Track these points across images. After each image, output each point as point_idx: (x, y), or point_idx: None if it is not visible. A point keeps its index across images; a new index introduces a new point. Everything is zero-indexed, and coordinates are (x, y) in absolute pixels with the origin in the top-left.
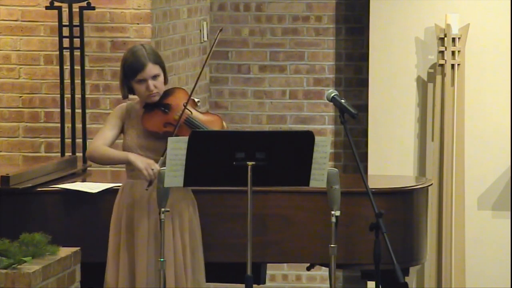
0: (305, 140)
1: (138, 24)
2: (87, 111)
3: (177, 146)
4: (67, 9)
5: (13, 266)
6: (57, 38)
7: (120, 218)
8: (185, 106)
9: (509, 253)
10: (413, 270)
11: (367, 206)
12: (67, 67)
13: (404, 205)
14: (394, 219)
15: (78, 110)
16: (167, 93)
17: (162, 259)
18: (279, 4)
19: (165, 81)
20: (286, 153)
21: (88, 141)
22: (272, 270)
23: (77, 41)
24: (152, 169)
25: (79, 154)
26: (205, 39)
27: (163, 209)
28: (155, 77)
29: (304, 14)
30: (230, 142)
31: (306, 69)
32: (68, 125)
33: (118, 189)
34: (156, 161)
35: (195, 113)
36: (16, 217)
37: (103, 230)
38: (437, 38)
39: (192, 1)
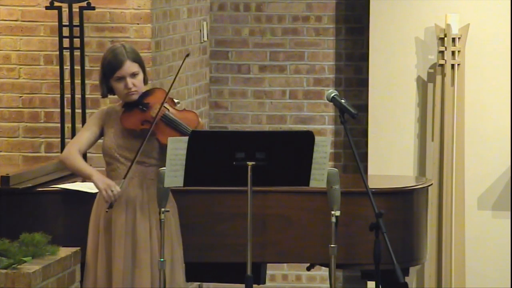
0: (305, 140)
1: (138, 24)
2: (87, 111)
3: (177, 146)
4: (67, 9)
5: (13, 266)
6: (57, 38)
7: (99, 218)
8: (162, 104)
9: (509, 253)
10: (413, 270)
11: (367, 206)
12: (67, 67)
13: (404, 205)
14: (394, 219)
15: (78, 110)
16: (147, 93)
17: (162, 259)
18: (279, 4)
19: (145, 81)
20: (286, 153)
21: None
22: (272, 270)
23: (77, 41)
24: (112, 191)
25: None
26: (205, 39)
27: (163, 209)
28: (133, 75)
29: (304, 14)
30: (230, 142)
31: (306, 69)
32: (68, 125)
33: None
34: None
35: (172, 110)
36: (16, 217)
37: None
38: (437, 38)
39: (192, 1)
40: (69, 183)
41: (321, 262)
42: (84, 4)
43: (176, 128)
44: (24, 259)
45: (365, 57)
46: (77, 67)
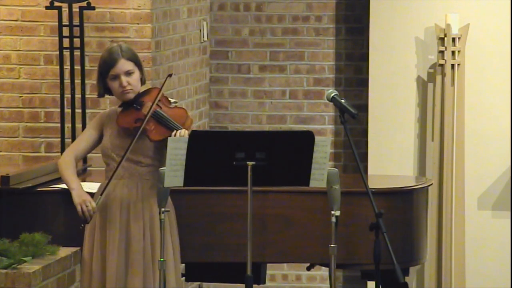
0: (305, 140)
1: (138, 24)
2: (87, 111)
3: (177, 146)
4: (67, 9)
5: (13, 266)
6: (57, 38)
7: (95, 218)
8: (154, 101)
9: (509, 253)
10: (413, 270)
11: (367, 206)
12: (67, 67)
13: (404, 205)
14: (394, 219)
15: (78, 110)
16: (144, 93)
17: (162, 259)
18: (279, 4)
19: (143, 81)
20: (286, 153)
21: None
22: (272, 270)
23: (77, 41)
24: (87, 206)
25: None
26: (205, 39)
27: (163, 209)
28: (128, 73)
29: (304, 14)
30: (230, 142)
31: (306, 69)
32: (68, 125)
33: None
34: (130, 161)
35: (164, 108)
36: (16, 217)
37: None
38: (437, 38)
39: (192, 1)
40: None
41: (321, 262)
42: (84, 4)
43: (165, 125)
44: (24, 259)
45: (365, 57)
46: (77, 67)
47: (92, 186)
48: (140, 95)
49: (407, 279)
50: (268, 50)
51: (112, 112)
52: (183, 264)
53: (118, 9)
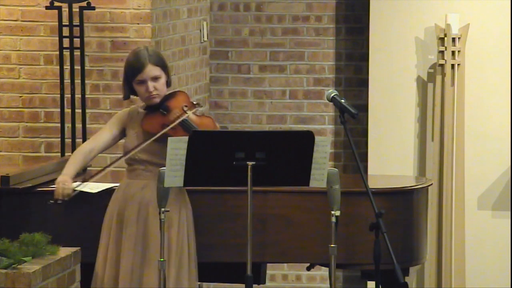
0: (305, 140)
1: (138, 24)
2: (87, 111)
3: (177, 146)
4: (67, 9)
5: (13, 266)
6: (57, 38)
7: (112, 216)
8: (184, 110)
9: (509, 253)
10: (413, 270)
11: (367, 206)
12: (67, 67)
13: (404, 205)
14: (394, 219)
15: (78, 110)
16: (169, 96)
17: (162, 259)
18: (279, 4)
19: (168, 84)
20: (286, 153)
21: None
22: (272, 270)
23: (77, 41)
24: (64, 185)
25: None
26: (205, 39)
27: (163, 209)
28: (155, 78)
29: (304, 14)
30: (230, 142)
31: (306, 69)
32: (68, 125)
33: None
34: (153, 163)
35: (191, 116)
36: (16, 217)
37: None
38: (437, 38)
39: (192, 1)
40: None
41: (321, 262)
42: (84, 4)
43: None
44: (24, 259)
45: (365, 57)
46: (77, 67)
47: (92, 186)
48: (165, 99)
49: (407, 279)
50: (268, 50)
51: (134, 112)
52: None
53: (118, 9)
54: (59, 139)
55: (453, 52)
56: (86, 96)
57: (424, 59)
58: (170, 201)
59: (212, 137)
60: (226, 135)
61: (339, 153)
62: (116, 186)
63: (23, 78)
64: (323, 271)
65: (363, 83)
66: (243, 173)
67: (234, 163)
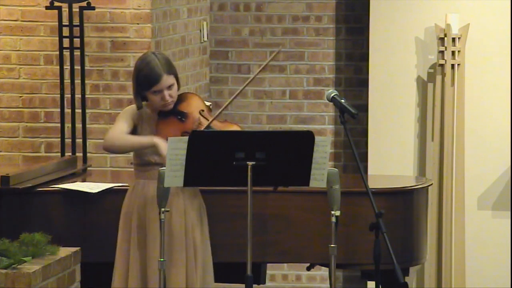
0: (305, 140)
1: (138, 24)
2: (87, 111)
3: (177, 146)
4: (67, 9)
5: (13, 266)
6: (57, 38)
7: (130, 218)
8: (200, 113)
9: (509, 253)
10: (413, 270)
11: (367, 206)
12: (67, 67)
13: (404, 205)
14: (394, 219)
15: (78, 110)
16: (180, 99)
17: (162, 259)
18: (279, 4)
19: (178, 87)
20: (286, 153)
21: (88, 141)
22: (272, 270)
23: (77, 41)
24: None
25: (79, 154)
26: (205, 39)
27: (163, 209)
28: (169, 87)
29: (304, 14)
30: (230, 142)
31: (306, 69)
32: (68, 125)
33: (118, 189)
34: None
35: (214, 122)
36: (16, 217)
37: (103, 230)
38: (437, 38)
39: (192, 1)
40: (69, 183)
41: (321, 262)
42: (84, 4)
43: None
44: (24, 259)
45: (365, 57)
46: (77, 67)
47: (92, 186)
48: (177, 103)
49: (407, 279)
50: (268, 50)
51: (142, 111)
52: None
53: (118, 9)
54: (59, 139)
55: (453, 52)
56: (86, 96)
57: (424, 59)
58: (189, 201)
59: (212, 137)
60: (226, 135)
61: (339, 153)
62: (117, 186)
63: (23, 78)
64: (323, 271)
65: (363, 83)
66: (243, 173)
67: (234, 163)
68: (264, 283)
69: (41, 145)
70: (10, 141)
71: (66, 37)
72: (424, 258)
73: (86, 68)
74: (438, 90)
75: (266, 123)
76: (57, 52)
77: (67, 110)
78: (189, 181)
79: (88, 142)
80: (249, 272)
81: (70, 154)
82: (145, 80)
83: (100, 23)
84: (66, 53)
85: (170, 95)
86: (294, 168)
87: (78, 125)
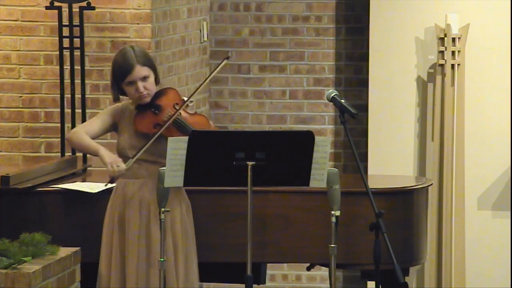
0: (305, 140)
1: (138, 24)
2: (87, 111)
3: (177, 146)
4: (67, 9)
5: (13, 266)
6: (57, 38)
7: (113, 217)
8: (177, 109)
9: (509, 253)
10: (413, 270)
11: (367, 206)
12: (67, 67)
13: (404, 205)
14: (394, 219)
15: (78, 110)
16: (159, 94)
17: (162, 259)
18: (279, 4)
19: (157, 82)
20: (286, 153)
21: None
22: (272, 270)
23: (77, 41)
24: (118, 166)
25: (79, 154)
26: (205, 39)
27: (163, 209)
28: (144, 78)
29: (304, 14)
30: (230, 142)
31: (306, 69)
32: (68, 125)
33: None
34: (149, 161)
35: (184, 115)
36: (16, 217)
37: (103, 230)
38: (437, 38)
39: (192, 1)
40: (69, 183)
41: (321, 262)
42: (84, 4)
43: (187, 132)
44: (24, 259)
45: (365, 57)
46: (77, 67)
47: (92, 186)
48: (156, 97)
49: (407, 279)
50: (268, 50)
51: (126, 108)
52: None
53: (118, 9)
54: (59, 139)
55: (453, 52)
56: (86, 96)
57: (424, 59)
58: (169, 200)
59: (212, 137)
60: (226, 135)
61: (339, 153)
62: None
63: (23, 78)
64: (323, 271)
65: (363, 83)
66: (243, 173)
67: (234, 163)
68: (264, 283)
69: (41, 145)
70: (10, 141)
71: (66, 37)
72: (424, 258)
73: (86, 68)
74: (438, 90)
75: (266, 123)
76: (57, 52)
77: (67, 110)
78: (189, 181)
79: None
80: (249, 272)
81: (70, 154)
82: (119, 70)
83: (100, 23)
84: (66, 53)
85: (145, 87)
86: (294, 168)
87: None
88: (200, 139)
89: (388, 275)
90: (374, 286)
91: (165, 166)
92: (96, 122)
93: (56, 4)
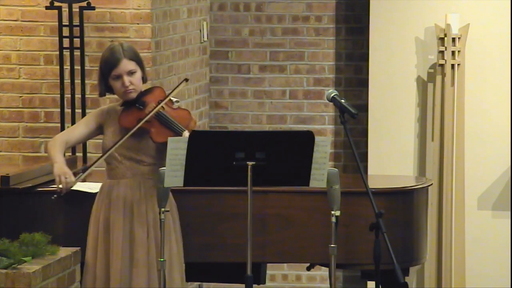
0: (305, 140)
1: (138, 24)
2: (87, 111)
3: (177, 146)
4: (67, 9)
5: (13, 266)
6: (57, 38)
7: (98, 219)
8: (158, 103)
9: (509, 253)
10: (413, 270)
11: (367, 206)
12: (67, 67)
13: (404, 205)
14: (394, 219)
15: (78, 110)
16: (145, 92)
17: (162, 259)
18: (279, 4)
19: (144, 80)
20: (286, 153)
21: (88, 141)
22: (272, 270)
23: (77, 41)
24: (66, 178)
25: (79, 154)
26: (205, 39)
27: (163, 209)
28: (130, 73)
29: (304, 14)
30: (230, 142)
31: (306, 69)
32: (68, 125)
33: None
34: (133, 160)
35: (167, 109)
36: (16, 217)
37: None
38: (437, 38)
39: (192, 1)
40: None
41: (321, 262)
42: (84, 4)
43: (169, 126)
44: (24, 259)
45: (365, 57)
46: (77, 67)
47: (92, 186)
48: (142, 94)
49: (407, 279)
50: (268, 50)
51: (112, 110)
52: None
53: (118, 9)
54: None
55: (453, 52)
56: (86, 96)
57: (424, 59)
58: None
59: (212, 137)
60: (226, 135)
61: (339, 153)
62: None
63: (23, 78)
64: (323, 271)
65: (363, 83)
66: (243, 173)
67: (234, 163)
68: (264, 283)
69: (41, 145)
70: (10, 141)
71: (66, 37)
72: (424, 258)
73: (86, 68)
74: (438, 90)
75: (266, 123)
76: (57, 52)
77: (67, 110)
78: (189, 181)
79: (88, 142)
80: (249, 272)
81: (70, 154)
82: (105, 64)
83: (100, 23)
84: (66, 53)
85: (131, 82)
86: (294, 168)
87: None
88: (200, 139)
89: (388, 275)
90: (374, 286)
91: (149, 166)
92: (78, 127)
93: (56, 4)
